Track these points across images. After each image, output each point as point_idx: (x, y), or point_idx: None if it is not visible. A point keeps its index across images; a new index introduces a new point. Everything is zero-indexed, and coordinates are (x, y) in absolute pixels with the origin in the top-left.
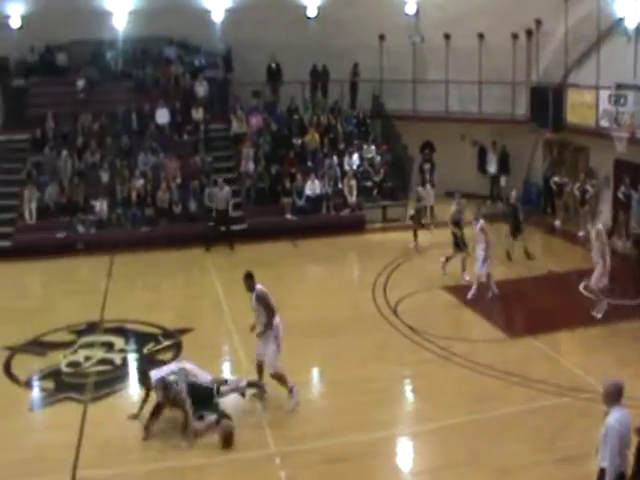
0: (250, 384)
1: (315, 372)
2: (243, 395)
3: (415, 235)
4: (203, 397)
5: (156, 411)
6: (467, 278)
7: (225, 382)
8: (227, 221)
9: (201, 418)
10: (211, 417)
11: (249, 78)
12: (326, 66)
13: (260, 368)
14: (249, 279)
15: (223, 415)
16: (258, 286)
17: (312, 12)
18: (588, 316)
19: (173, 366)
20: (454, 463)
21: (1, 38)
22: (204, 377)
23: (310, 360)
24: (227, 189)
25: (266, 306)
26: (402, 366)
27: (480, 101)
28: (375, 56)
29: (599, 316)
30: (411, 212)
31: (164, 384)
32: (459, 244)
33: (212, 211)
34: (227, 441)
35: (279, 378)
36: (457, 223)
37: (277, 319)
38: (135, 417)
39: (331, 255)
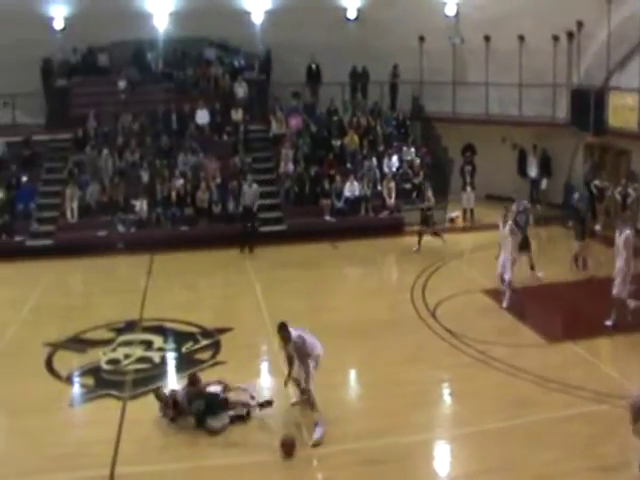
0: (261, 405)
1: (353, 373)
2: (248, 413)
3: (420, 238)
4: (214, 403)
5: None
6: (540, 274)
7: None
8: (252, 219)
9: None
10: (225, 419)
11: (288, 79)
12: (366, 67)
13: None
14: (284, 330)
15: (235, 417)
16: (294, 334)
17: (352, 13)
18: (629, 322)
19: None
20: (490, 469)
21: (45, 40)
22: (214, 387)
23: (348, 361)
24: (255, 187)
25: (303, 356)
26: (440, 369)
27: (520, 104)
28: (415, 58)
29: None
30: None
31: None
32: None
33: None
34: (288, 452)
35: (308, 397)
36: (517, 224)
37: (318, 349)
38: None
39: (370, 257)
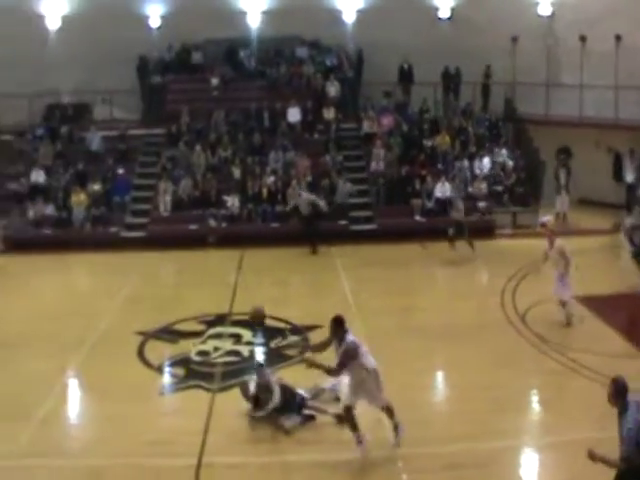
0: (337, 417)
1: (439, 376)
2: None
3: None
4: (291, 402)
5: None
6: None
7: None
8: (311, 225)
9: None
10: (296, 418)
11: (380, 78)
12: (458, 68)
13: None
14: (339, 325)
15: (307, 417)
16: (350, 337)
17: (444, 13)
18: None
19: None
20: (576, 479)
21: (141, 37)
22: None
23: (435, 364)
24: (305, 195)
25: (349, 360)
26: (528, 375)
27: (616, 106)
28: (508, 58)
29: None
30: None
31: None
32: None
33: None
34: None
35: (388, 410)
36: (632, 241)
37: (372, 363)
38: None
39: (460, 258)
